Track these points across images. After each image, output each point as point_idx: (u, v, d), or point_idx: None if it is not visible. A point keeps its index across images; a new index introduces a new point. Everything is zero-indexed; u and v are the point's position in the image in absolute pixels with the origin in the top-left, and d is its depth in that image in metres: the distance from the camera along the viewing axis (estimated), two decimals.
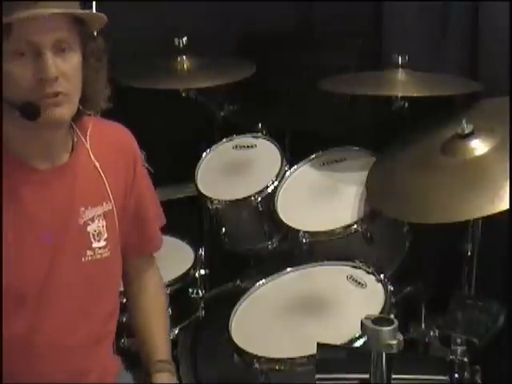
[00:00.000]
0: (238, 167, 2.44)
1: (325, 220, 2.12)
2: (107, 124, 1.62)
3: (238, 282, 2.36)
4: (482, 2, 2.31)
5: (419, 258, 2.21)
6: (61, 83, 1.36)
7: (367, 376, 1.21)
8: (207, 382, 2.23)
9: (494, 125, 1.97)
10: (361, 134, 2.56)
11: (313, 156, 2.39)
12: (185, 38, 2.65)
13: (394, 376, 1.20)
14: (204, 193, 2.35)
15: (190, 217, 2.58)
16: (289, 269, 2.06)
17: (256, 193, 2.28)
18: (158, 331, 1.70)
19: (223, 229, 2.37)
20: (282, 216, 2.20)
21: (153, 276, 1.76)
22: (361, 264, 1.99)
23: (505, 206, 1.76)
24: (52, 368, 1.51)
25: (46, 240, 1.46)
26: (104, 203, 1.54)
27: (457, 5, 2.41)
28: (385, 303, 1.83)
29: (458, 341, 1.72)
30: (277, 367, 1.72)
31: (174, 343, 2.06)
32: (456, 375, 1.62)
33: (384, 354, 1.17)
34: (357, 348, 1.65)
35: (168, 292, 1.91)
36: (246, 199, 2.28)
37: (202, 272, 2.18)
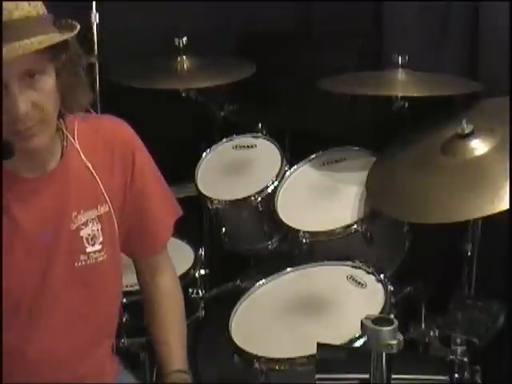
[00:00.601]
0: (238, 167, 2.44)
1: (325, 220, 2.12)
2: (97, 119, 1.57)
3: (238, 282, 2.35)
4: (482, 2, 2.31)
5: (419, 258, 2.21)
6: (34, 116, 1.31)
7: (367, 376, 1.20)
8: (207, 381, 2.23)
9: (494, 125, 1.97)
10: (361, 134, 2.56)
11: (313, 156, 2.39)
12: (185, 38, 2.64)
13: (393, 376, 1.20)
14: (204, 193, 2.35)
15: (189, 217, 2.58)
16: (289, 269, 2.06)
17: (256, 193, 2.28)
18: (174, 337, 1.66)
19: (223, 229, 2.37)
20: (281, 216, 2.20)
21: (168, 275, 1.72)
22: (361, 264, 1.99)
23: (505, 205, 1.76)
24: (49, 373, 1.50)
25: (45, 240, 1.45)
26: (99, 206, 1.50)
27: (457, 5, 2.41)
28: (385, 303, 1.82)
29: (458, 341, 1.72)
30: (277, 367, 1.72)
31: None
32: (456, 375, 1.62)
33: (384, 354, 1.17)
34: (357, 348, 1.65)
35: None
36: (246, 199, 2.28)
37: (202, 272, 2.18)
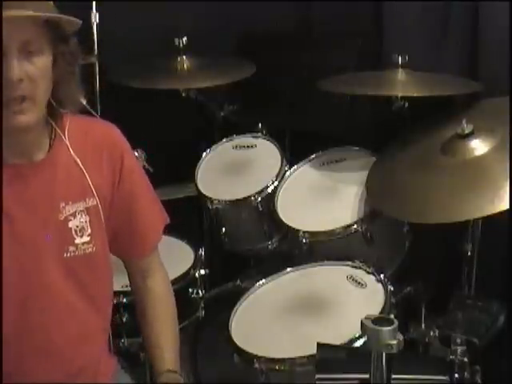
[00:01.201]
0: (238, 167, 2.44)
1: (325, 220, 2.12)
2: (88, 120, 1.61)
3: (238, 281, 2.35)
4: (482, 2, 2.31)
5: (419, 258, 2.21)
6: (26, 86, 1.35)
7: (367, 376, 1.21)
8: (207, 381, 2.23)
9: (494, 125, 1.97)
10: (361, 134, 2.56)
11: (313, 156, 2.39)
12: (185, 38, 2.64)
13: (394, 376, 1.21)
14: (204, 193, 2.35)
15: (190, 217, 2.58)
16: (289, 269, 2.06)
17: (256, 193, 2.28)
18: (166, 340, 1.67)
19: (223, 229, 2.37)
20: (281, 216, 2.20)
21: (159, 277, 1.73)
22: (361, 264, 1.99)
23: (505, 205, 1.76)
24: (42, 367, 1.50)
25: (47, 239, 1.46)
26: (87, 199, 1.52)
27: (457, 5, 2.41)
28: (385, 303, 1.83)
29: (458, 341, 1.72)
30: (277, 367, 1.72)
31: None
32: (456, 375, 1.62)
33: (384, 354, 1.17)
34: (357, 348, 1.65)
35: None
36: (246, 199, 2.28)
37: (202, 272, 2.18)
